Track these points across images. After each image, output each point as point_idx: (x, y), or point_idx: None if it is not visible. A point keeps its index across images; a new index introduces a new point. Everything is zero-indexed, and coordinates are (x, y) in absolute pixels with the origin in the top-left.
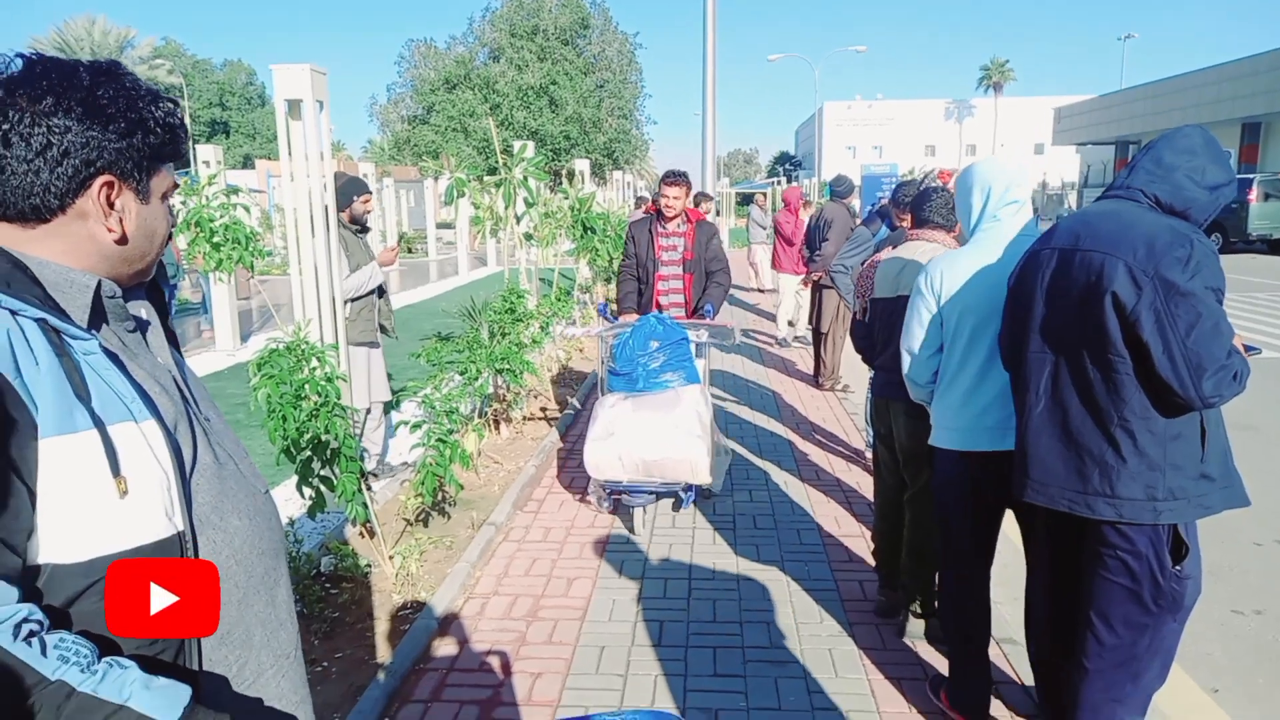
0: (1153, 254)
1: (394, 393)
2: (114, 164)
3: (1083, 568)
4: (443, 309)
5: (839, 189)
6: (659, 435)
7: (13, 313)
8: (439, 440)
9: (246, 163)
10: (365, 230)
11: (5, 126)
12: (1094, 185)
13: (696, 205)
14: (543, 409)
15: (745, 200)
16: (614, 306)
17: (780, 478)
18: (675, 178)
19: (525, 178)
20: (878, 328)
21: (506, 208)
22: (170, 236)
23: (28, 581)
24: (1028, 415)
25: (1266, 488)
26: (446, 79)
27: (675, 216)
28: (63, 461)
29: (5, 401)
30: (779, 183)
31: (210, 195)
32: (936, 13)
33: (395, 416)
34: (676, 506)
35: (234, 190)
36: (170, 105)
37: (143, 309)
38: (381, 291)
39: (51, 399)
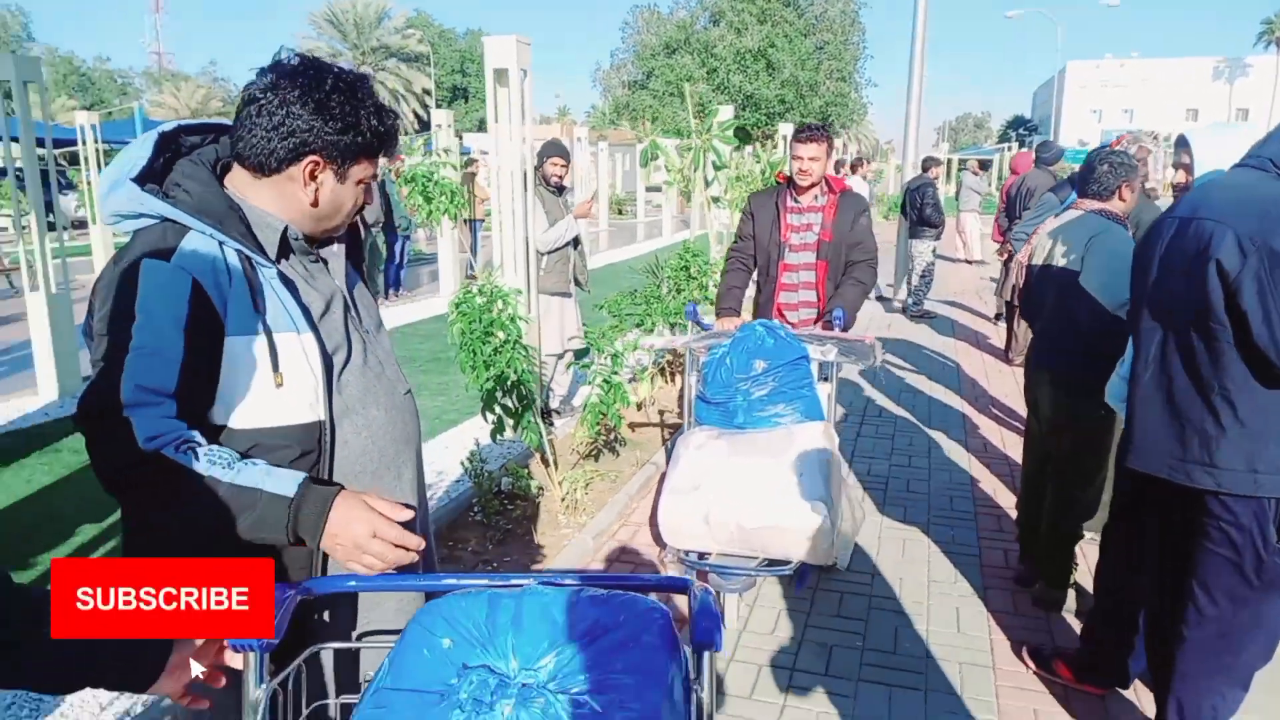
0: (1265, 223)
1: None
2: (323, 150)
3: (1189, 538)
4: (632, 267)
5: (1045, 155)
6: (764, 493)
7: (220, 243)
8: (604, 381)
9: (481, 126)
10: (561, 190)
11: (262, 101)
12: None
13: (852, 169)
14: None
15: (982, 167)
16: (706, 306)
17: (945, 446)
18: (811, 133)
19: (711, 142)
20: (1034, 295)
21: (696, 170)
22: (386, 198)
23: (212, 435)
24: (1137, 383)
25: None
26: (667, 44)
27: (811, 186)
28: (239, 355)
29: (209, 308)
30: (1009, 148)
31: (425, 156)
32: None
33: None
34: (792, 587)
35: (445, 150)
36: (390, 117)
37: (334, 248)
38: (576, 243)
39: (237, 309)
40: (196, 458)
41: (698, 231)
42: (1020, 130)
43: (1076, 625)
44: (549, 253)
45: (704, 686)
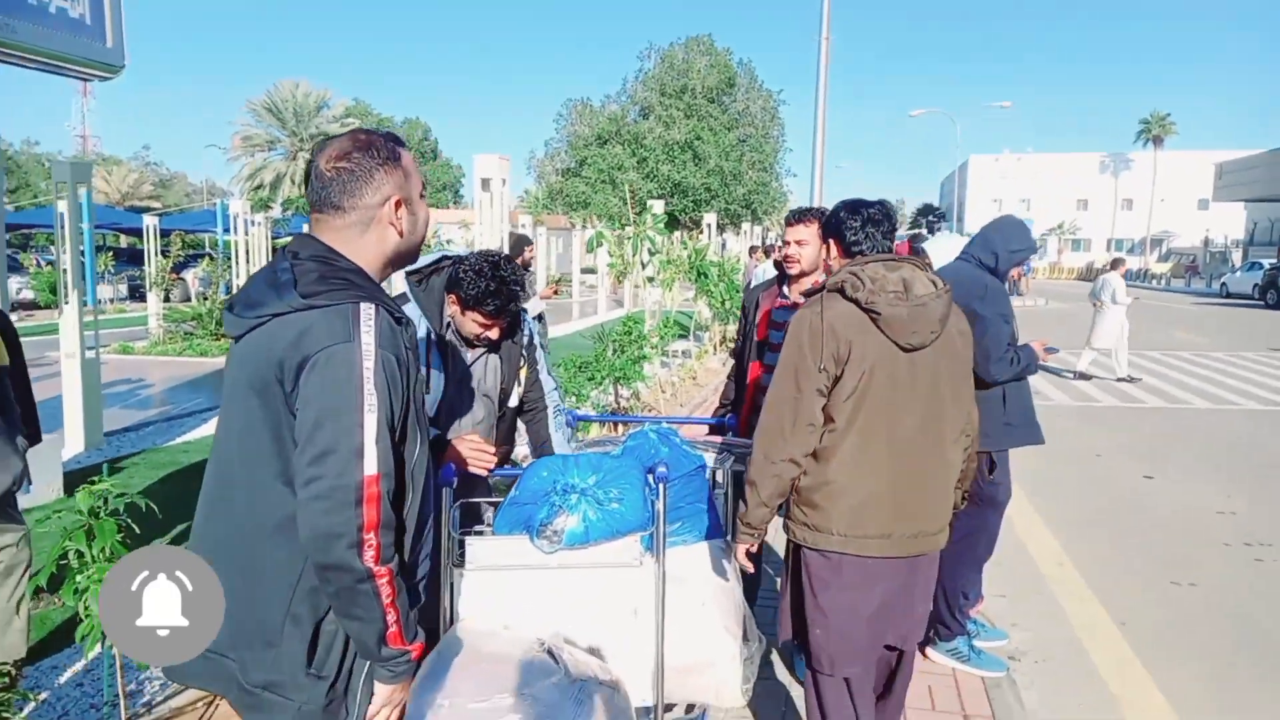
0: (963, 292)
1: None
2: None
3: None
4: (580, 335)
5: (917, 246)
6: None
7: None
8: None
9: None
10: (530, 273)
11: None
12: (1260, 243)
13: (767, 253)
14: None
15: None
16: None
17: None
18: (801, 213)
19: (646, 233)
20: None
21: (634, 255)
22: None
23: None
24: None
25: (1270, 509)
26: (599, 135)
27: (802, 276)
28: None
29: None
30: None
31: (433, 243)
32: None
33: None
34: None
35: (448, 240)
36: None
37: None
38: (540, 318)
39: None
40: None
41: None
42: (929, 218)
43: None
44: None
45: (660, 498)
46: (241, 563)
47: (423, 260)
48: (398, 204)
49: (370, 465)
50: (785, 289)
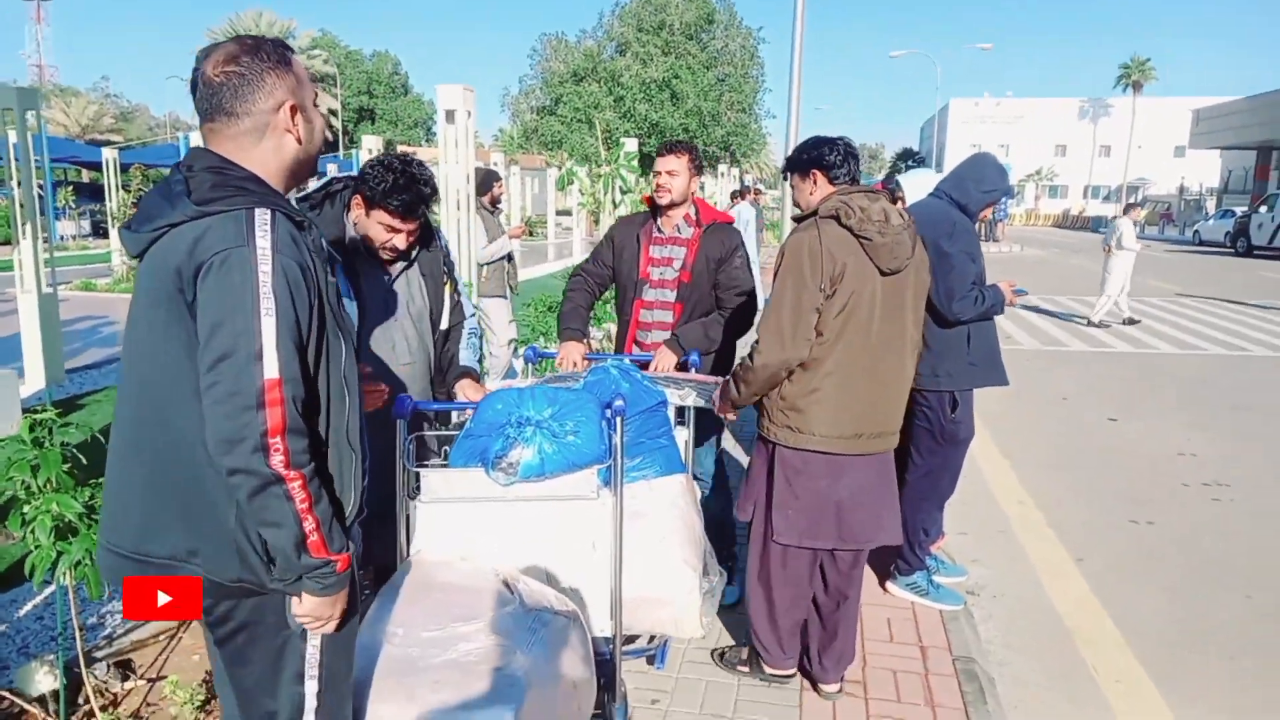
0: (934, 230)
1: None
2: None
3: (908, 420)
4: (553, 277)
5: (892, 188)
6: (627, 562)
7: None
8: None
9: (389, 147)
10: (499, 209)
11: None
12: (1234, 191)
13: (742, 196)
14: None
15: None
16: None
17: None
18: (672, 145)
19: (619, 170)
20: None
21: (606, 194)
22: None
23: None
24: None
25: (1231, 450)
26: (574, 72)
27: (672, 207)
28: None
29: None
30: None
31: None
32: (1071, 10)
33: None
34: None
35: None
36: None
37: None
38: (510, 258)
39: None
40: None
41: None
42: (909, 162)
43: None
44: (488, 263)
45: (616, 432)
46: (187, 474)
47: (312, 185)
48: (293, 110)
49: (271, 369)
50: (659, 224)
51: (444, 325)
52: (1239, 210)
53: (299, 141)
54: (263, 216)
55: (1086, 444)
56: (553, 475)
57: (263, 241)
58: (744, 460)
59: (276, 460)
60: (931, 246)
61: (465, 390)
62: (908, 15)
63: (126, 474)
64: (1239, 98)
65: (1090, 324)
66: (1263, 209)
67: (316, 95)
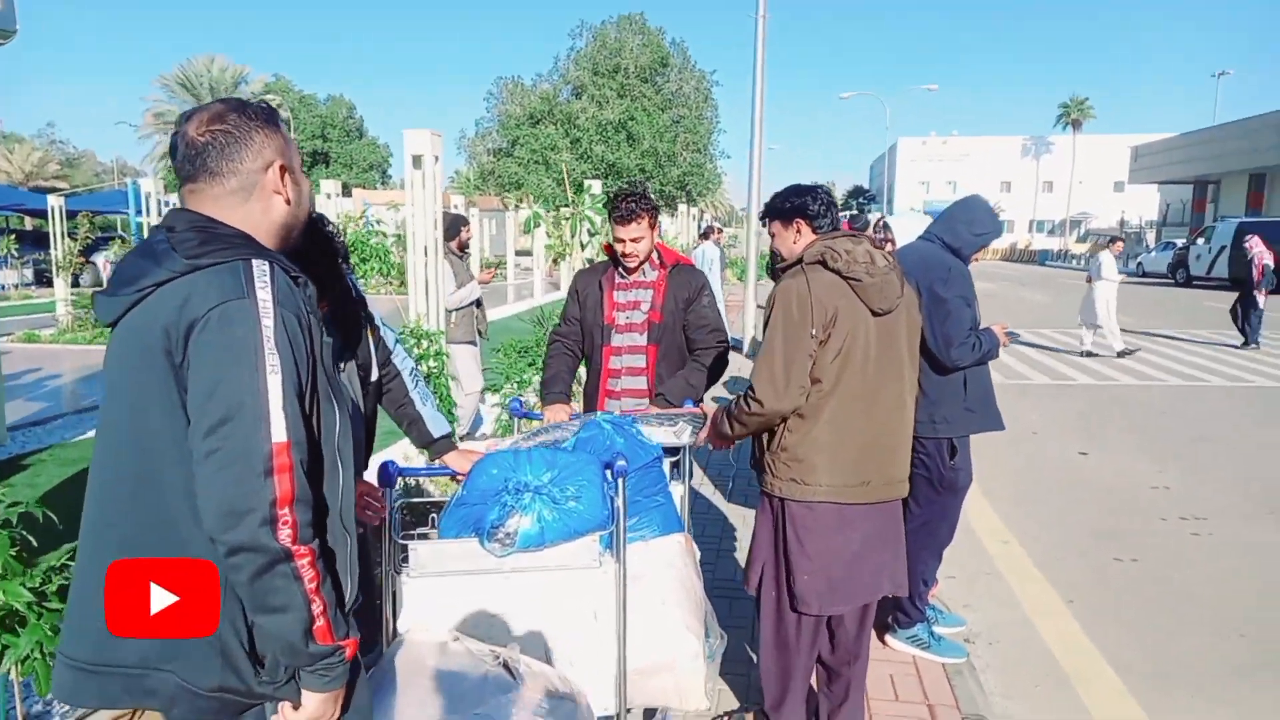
0: (928, 275)
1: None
2: None
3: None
4: (519, 318)
5: (856, 224)
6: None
7: None
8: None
9: (345, 191)
10: (467, 254)
11: None
12: (1172, 224)
13: (706, 236)
14: None
15: None
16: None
17: None
18: (630, 210)
19: (585, 213)
20: None
21: (573, 236)
22: None
23: None
24: None
25: (1201, 481)
26: (531, 114)
27: (637, 266)
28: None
29: None
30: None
31: (361, 224)
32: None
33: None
34: None
35: (378, 220)
36: None
37: None
38: (479, 303)
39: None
40: None
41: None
42: (860, 200)
43: None
44: (457, 309)
45: (619, 494)
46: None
47: None
48: (283, 170)
49: (279, 431)
50: (620, 270)
51: (373, 376)
52: (1179, 242)
53: (288, 203)
54: (261, 267)
55: (1060, 479)
56: (553, 544)
57: (264, 293)
58: (735, 511)
59: (285, 534)
60: (926, 292)
61: (453, 462)
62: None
63: (97, 566)
64: (1175, 134)
65: (1119, 355)
66: (1199, 240)
67: (303, 163)
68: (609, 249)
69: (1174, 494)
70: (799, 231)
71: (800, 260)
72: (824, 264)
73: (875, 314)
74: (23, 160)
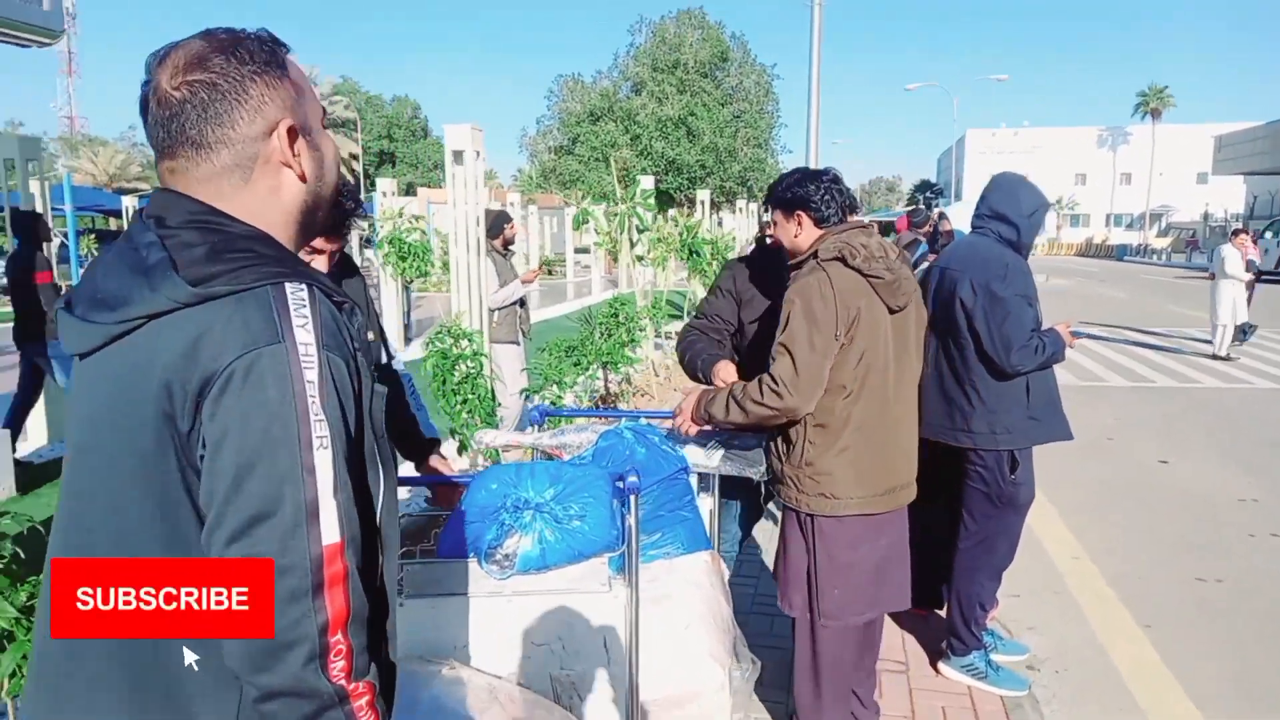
0: (985, 272)
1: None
2: None
3: (959, 481)
4: (568, 318)
5: (915, 219)
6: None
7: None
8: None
9: (409, 190)
10: (511, 252)
11: None
12: (1260, 216)
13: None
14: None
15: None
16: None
17: None
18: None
19: (635, 208)
20: None
21: (622, 233)
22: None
23: None
24: (925, 379)
25: (1278, 484)
26: (591, 111)
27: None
28: None
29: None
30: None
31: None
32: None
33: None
34: None
35: (418, 218)
36: None
37: None
38: (523, 303)
39: None
40: None
41: (625, 290)
42: (926, 194)
43: None
44: (500, 309)
45: (630, 513)
46: (159, 693)
47: None
48: (291, 132)
49: (330, 530)
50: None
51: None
52: (1267, 235)
53: (303, 179)
54: (298, 294)
55: (1138, 488)
56: (555, 567)
57: (304, 334)
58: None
59: (338, 669)
60: (983, 290)
61: (435, 466)
62: (922, 48)
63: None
64: (1260, 123)
65: (1214, 358)
66: (1267, 234)
67: (325, 113)
68: (758, 240)
69: (1264, 507)
70: (800, 224)
71: (815, 255)
72: (843, 261)
73: (891, 311)
74: (106, 163)
